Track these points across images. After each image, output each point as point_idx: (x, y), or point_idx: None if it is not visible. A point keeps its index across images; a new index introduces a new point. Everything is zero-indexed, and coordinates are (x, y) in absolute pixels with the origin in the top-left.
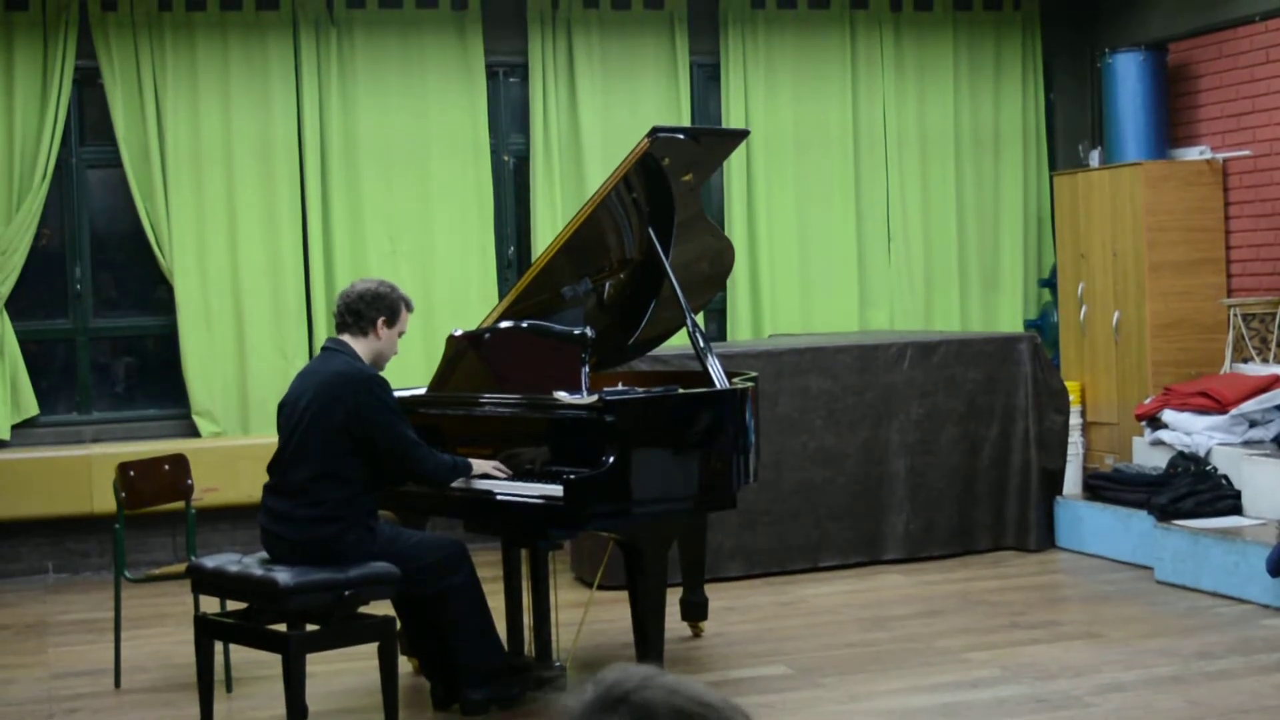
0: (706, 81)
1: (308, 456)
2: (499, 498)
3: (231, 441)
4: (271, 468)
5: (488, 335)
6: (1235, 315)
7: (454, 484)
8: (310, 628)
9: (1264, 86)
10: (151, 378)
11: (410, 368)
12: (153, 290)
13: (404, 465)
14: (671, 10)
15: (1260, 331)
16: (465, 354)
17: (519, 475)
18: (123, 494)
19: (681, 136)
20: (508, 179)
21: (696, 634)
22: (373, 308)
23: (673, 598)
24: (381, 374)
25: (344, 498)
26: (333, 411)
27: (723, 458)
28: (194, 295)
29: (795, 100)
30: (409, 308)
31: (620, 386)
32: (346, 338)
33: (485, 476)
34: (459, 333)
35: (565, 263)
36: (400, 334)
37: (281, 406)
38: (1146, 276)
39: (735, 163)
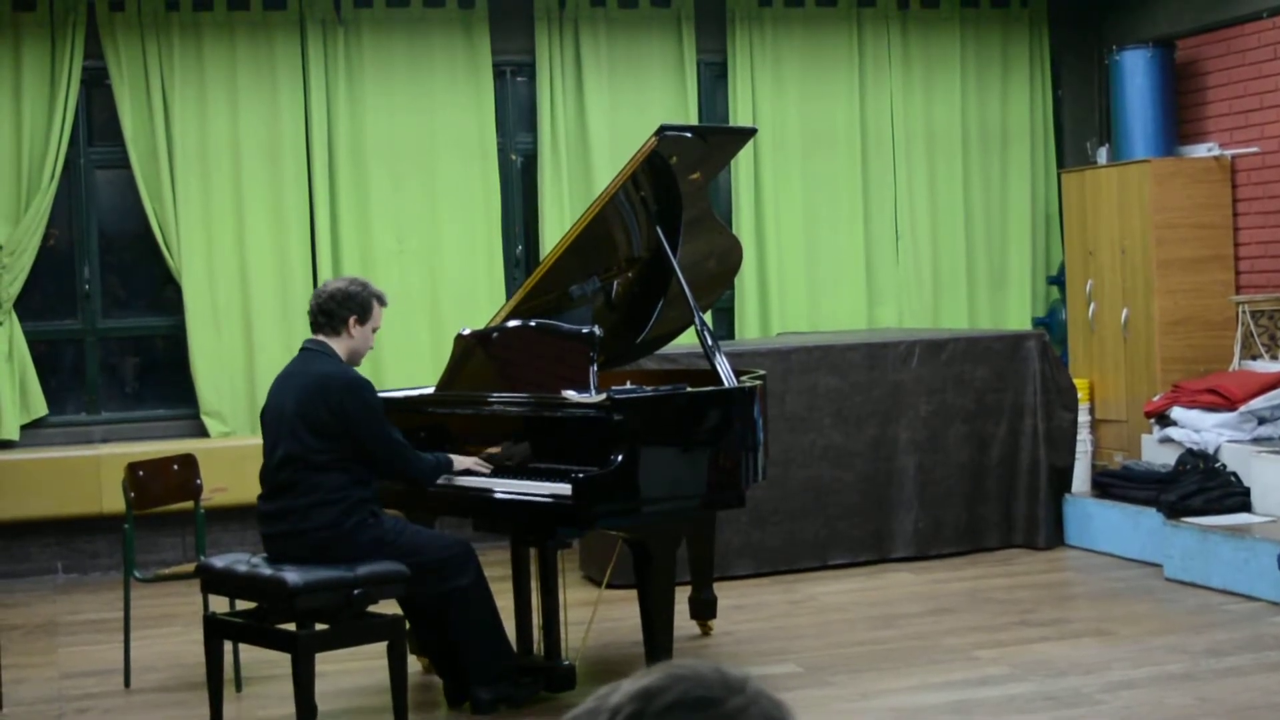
0: (714, 80)
1: (296, 458)
2: (499, 496)
3: (240, 441)
4: (263, 478)
5: (496, 334)
6: (1244, 312)
7: (439, 482)
8: (319, 627)
9: (1272, 83)
10: (160, 378)
11: (418, 366)
12: (161, 290)
13: (391, 466)
14: (679, 9)
15: (1269, 328)
16: (473, 353)
17: (526, 475)
18: (132, 494)
19: (689, 135)
20: (515, 178)
21: (705, 632)
22: (344, 307)
23: (681, 596)
24: (362, 374)
25: (336, 483)
26: (318, 414)
27: (731, 456)
28: (202, 295)
29: (802, 98)
30: (382, 302)
31: (628, 385)
32: (323, 338)
33: (468, 473)
34: (467, 331)
35: (573, 261)
36: (375, 329)
37: (264, 414)
38: (1155, 273)
39: (743, 161)
